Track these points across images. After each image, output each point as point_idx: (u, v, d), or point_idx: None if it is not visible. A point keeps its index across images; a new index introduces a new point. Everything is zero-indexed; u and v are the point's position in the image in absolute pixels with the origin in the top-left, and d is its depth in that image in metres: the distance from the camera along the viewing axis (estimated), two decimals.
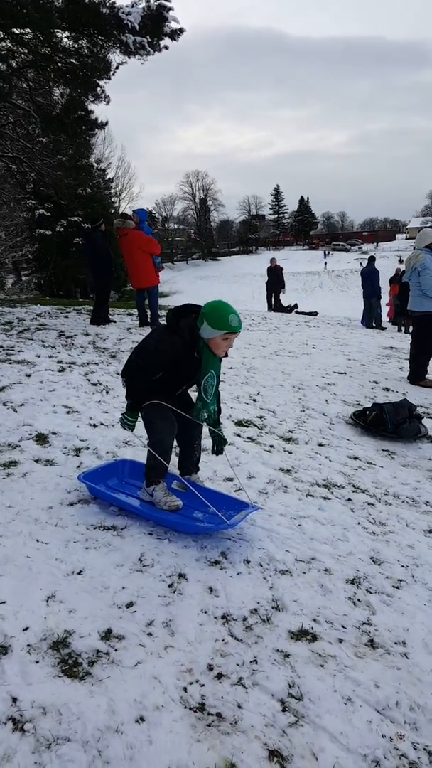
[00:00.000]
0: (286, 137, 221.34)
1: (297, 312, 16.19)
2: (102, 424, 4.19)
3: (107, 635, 2.05)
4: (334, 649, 2.14)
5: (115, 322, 8.90)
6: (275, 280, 16.22)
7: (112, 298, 18.48)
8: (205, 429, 3.21)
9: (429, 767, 1.69)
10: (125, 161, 51.25)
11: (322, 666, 2.04)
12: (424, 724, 1.85)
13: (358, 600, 2.49)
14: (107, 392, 4.97)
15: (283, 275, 16.43)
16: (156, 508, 2.94)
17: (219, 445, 3.13)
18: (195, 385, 2.91)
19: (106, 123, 12.91)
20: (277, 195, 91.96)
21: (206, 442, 3.37)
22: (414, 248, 6.61)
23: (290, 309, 16.46)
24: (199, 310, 2.80)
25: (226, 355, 2.94)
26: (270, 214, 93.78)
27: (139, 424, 2.94)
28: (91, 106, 11.60)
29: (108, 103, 10.79)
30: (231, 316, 2.70)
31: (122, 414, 2.92)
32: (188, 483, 3.03)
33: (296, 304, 17.16)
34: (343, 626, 2.29)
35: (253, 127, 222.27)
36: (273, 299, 16.42)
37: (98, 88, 10.34)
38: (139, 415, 2.90)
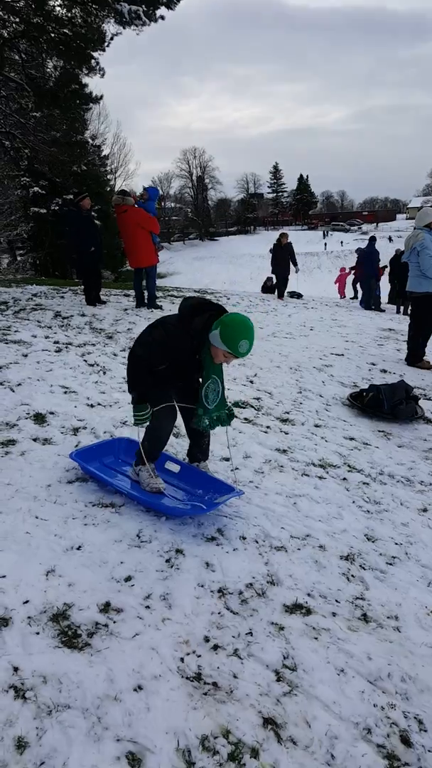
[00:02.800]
0: (285, 113, 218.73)
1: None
2: (99, 404, 4.20)
3: (106, 608, 2.09)
4: (327, 623, 2.19)
5: (107, 303, 8.80)
6: (285, 262, 12.65)
7: (107, 279, 18.30)
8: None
9: (419, 735, 1.75)
10: (121, 137, 49.64)
11: (316, 638, 2.09)
12: (414, 694, 1.91)
13: (352, 576, 2.54)
14: (104, 373, 4.98)
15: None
16: (140, 489, 2.96)
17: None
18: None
19: (101, 97, 12.68)
20: (276, 173, 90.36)
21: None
22: (414, 228, 6.55)
23: (274, 289, 15.44)
24: (216, 310, 2.72)
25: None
26: (268, 193, 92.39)
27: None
28: (86, 79, 11.39)
29: (102, 75, 10.59)
30: (242, 342, 2.60)
31: (133, 414, 2.83)
32: (181, 465, 3.05)
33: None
34: (336, 601, 2.34)
35: (251, 101, 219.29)
36: (282, 283, 13.08)
37: (92, 60, 10.12)
38: (149, 406, 2.80)
